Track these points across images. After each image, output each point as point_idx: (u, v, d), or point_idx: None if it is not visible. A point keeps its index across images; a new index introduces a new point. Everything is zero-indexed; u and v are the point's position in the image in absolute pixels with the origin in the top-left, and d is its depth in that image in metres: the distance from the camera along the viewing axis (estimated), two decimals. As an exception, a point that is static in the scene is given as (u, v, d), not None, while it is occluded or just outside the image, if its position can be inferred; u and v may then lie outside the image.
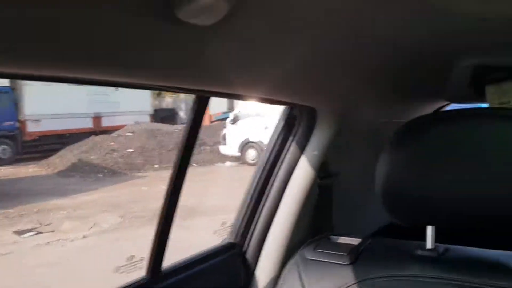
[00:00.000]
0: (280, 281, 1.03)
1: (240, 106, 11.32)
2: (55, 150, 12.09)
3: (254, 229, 1.16)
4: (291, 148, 1.18)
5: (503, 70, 1.04)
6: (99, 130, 13.62)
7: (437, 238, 0.96)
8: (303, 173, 1.16)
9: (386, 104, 1.21)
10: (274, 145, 1.19)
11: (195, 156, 11.61)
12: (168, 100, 18.09)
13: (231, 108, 13.30)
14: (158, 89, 0.78)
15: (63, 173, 10.58)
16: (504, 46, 0.90)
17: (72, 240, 5.80)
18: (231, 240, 1.16)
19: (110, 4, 0.46)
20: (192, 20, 0.49)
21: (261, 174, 1.19)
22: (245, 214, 1.18)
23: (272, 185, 1.18)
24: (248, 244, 1.16)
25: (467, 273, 0.84)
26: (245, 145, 11.13)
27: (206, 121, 14.14)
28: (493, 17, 0.76)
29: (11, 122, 12.75)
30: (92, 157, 11.35)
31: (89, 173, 10.46)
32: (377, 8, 0.67)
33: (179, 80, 0.70)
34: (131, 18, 0.48)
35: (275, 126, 1.21)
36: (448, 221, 0.87)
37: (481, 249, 0.93)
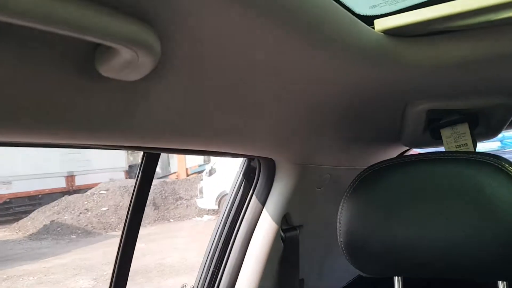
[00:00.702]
0: None
1: (216, 158, 11.30)
2: (27, 212, 11.75)
3: (218, 287, 1.11)
4: (252, 202, 1.15)
5: (457, 113, 1.05)
6: (72, 189, 13.35)
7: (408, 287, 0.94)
8: (265, 227, 1.13)
9: (346, 151, 1.20)
10: (234, 200, 1.16)
11: (172, 212, 11.44)
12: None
13: (207, 161, 13.30)
14: (103, 148, 0.75)
15: (35, 236, 10.22)
16: (455, 90, 0.92)
17: (42, 308, 5.58)
18: (194, 302, 1.10)
19: (35, 63, 0.44)
20: (116, 76, 0.47)
21: (222, 230, 1.15)
22: (207, 274, 1.12)
23: (234, 241, 1.14)
24: (212, 305, 1.10)
25: None
26: (222, 197, 11.03)
27: (182, 175, 14.05)
28: (441, 63, 0.78)
29: (-19, 186, 12.48)
30: (65, 217, 11.05)
31: (62, 235, 10.14)
32: (327, 58, 0.69)
33: (121, 138, 0.67)
34: (56, 76, 0.46)
35: (234, 180, 1.18)
36: (414, 270, 0.85)
37: None
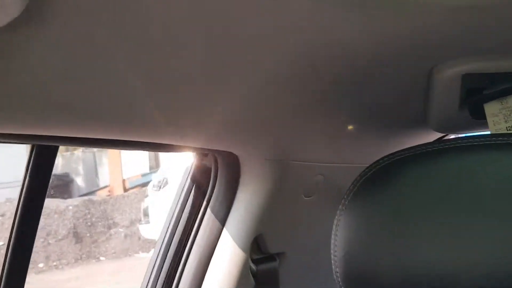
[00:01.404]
0: None
1: (169, 164, 11.35)
2: None
3: None
4: (206, 219, 1.20)
5: (509, 79, 1.08)
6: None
7: None
8: (227, 256, 1.17)
9: (346, 142, 1.25)
10: (179, 217, 1.20)
11: (103, 245, 11.43)
12: (57, 162, 17.97)
13: (155, 168, 13.36)
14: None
15: None
16: (505, 44, 0.94)
17: None
18: None
19: None
20: None
21: (161, 264, 1.19)
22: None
23: (180, 279, 1.17)
24: None
25: None
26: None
27: (118, 189, 14.03)
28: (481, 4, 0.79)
29: None
30: None
31: None
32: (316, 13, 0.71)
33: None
34: None
35: (179, 188, 1.23)
36: None
37: None
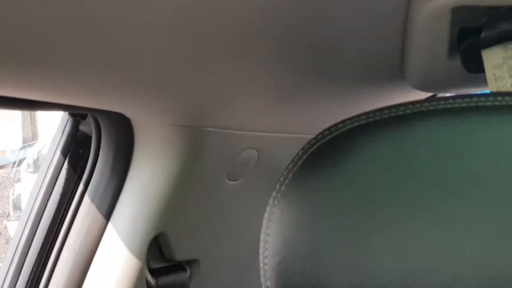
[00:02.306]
0: None
1: (50, 134, 11.42)
2: None
3: None
4: (83, 210, 1.21)
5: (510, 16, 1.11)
6: None
7: None
8: (113, 267, 1.19)
9: (287, 102, 1.27)
10: (43, 207, 1.22)
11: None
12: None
13: (32, 140, 13.42)
14: None
15: None
16: None
17: None
18: None
19: None
20: None
21: (19, 269, 1.21)
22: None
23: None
24: None
25: None
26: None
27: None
28: None
29: None
30: None
31: None
32: None
33: None
34: None
35: (44, 164, 1.24)
36: None
37: None
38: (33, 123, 14.75)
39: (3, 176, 13.05)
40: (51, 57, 0.88)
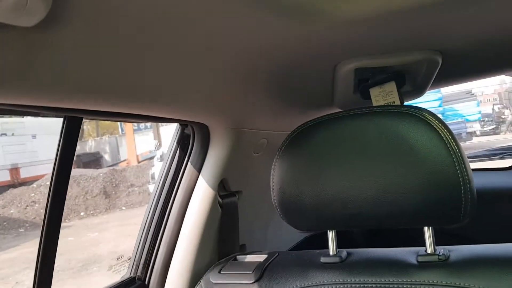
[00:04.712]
0: None
1: (167, 143, 11.19)
2: (-32, 209, 11.23)
3: (155, 259, 1.10)
4: (187, 169, 1.14)
5: (385, 72, 1.07)
6: (17, 182, 12.82)
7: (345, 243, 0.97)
8: (202, 194, 1.12)
9: (281, 115, 1.21)
10: (169, 168, 1.15)
11: (124, 199, 11.23)
12: (91, 144, 17.52)
13: (158, 146, 13.16)
14: (13, 113, 0.71)
15: (-21, 233, 9.80)
16: (381, 48, 0.93)
17: (-7, 303, 5.40)
18: (132, 274, 1.08)
19: None
20: (5, 20, 0.44)
21: (158, 200, 1.13)
22: (144, 243, 1.11)
23: (171, 209, 1.13)
24: (150, 276, 1.09)
25: (368, 274, 0.84)
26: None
27: (133, 161, 13.80)
28: (359, 17, 0.78)
29: None
30: (11, 211, 10.63)
31: (8, 229, 9.76)
32: (255, 21, 0.68)
33: (30, 95, 0.63)
34: None
35: (168, 148, 1.17)
36: (346, 223, 0.87)
37: (381, 249, 0.94)
38: (159, 138, 14.52)
39: (146, 164, 12.83)
40: (170, 89, 0.83)
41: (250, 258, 1.03)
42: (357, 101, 1.15)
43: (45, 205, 0.85)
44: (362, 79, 1.08)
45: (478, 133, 13.44)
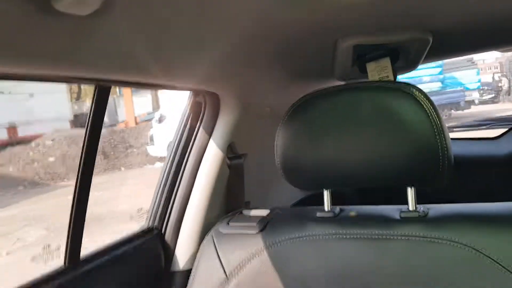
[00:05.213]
0: (198, 256, 1.12)
1: (165, 105, 11.20)
2: (-34, 167, 11.33)
3: (170, 212, 1.23)
4: (199, 133, 1.25)
5: (381, 48, 1.18)
6: (15, 141, 12.88)
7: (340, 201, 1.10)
8: (212, 156, 1.25)
9: (285, 86, 1.32)
10: (183, 131, 1.26)
11: (123, 160, 11.35)
12: (89, 104, 17.45)
13: (156, 108, 13.13)
14: (56, 81, 0.81)
15: (-23, 190, 9.94)
16: (378, 27, 1.03)
17: (-6, 258, 5.52)
18: (149, 225, 1.22)
19: None
20: (67, 10, 0.54)
21: (173, 158, 1.26)
22: (161, 198, 1.24)
23: (184, 168, 1.25)
24: (166, 226, 1.23)
25: (357, 227, 0.97)
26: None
27: (131, 123, 13.83)
28: (363, 1, 0.85)
29: None
30: (10, 169, 10.74)
31: (7, 187, 9.89)
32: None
33: (73, 68, 0.74)
34: (12, 9, 0.52)
35: (182, 114, 1.28)
36: (340, 183, 1.00)
37: (370, 206, 1.07)
38: (156, 100, 14.50)
39: (145, 125, 12.84)
40: (192, 57, 0.91)
41: (254, 212, 1.16)
42: (355, 74, 1.26)
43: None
44: (360, 54, 1.18)
45: (476, 102, 13.48)
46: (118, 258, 1.08)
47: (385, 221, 0.97)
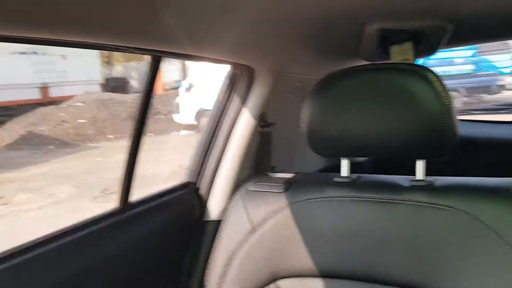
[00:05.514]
0: (229, 210, 1.27)
1: (193, 74, 11.28)
2: (2, 123, 11.74)
3: (205, 170, 1.38)
4: (234, 102, 1.39)
5: (404, 33, 1.26)
6: (47, 101, 13.24)
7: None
8: (245, 122, 1.38)
9: (315, 62, 1.43)
10: (221, 100, 1.40)
11: (151, 126, 11.55)
12: (118, 69, 17.62)
13: (183, 77, 13.22)
14: (113, 49, 0.91)
15: (11, 146, 10.32)
16: (402, 12, 1.11)
17: (27, 211, 5.79)
18: (188, 179, 1.38)
19: None
20: None
21: (211, 124, 1.40)
22: (199, 157, 1.39)
23: (219, 133, 1.39)
24: (201, 182, 1.38)
25: (371, 192, 1.07)
26: (200, 114, 11.16)
27: (159, 90, 14.03)
28: None
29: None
30: (42, 128, 11.09)
31: (39, 145, 10.25)
32: None
33: (134, 40, 0.85)
34: None
35: (222, 84, 1.41)
36: (356, 152, 1.11)
37: (383, 175, 1.18)
38: (184, 69, 14.56)
39: (172, 93, 12.94)
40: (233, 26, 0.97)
41: (279, 175, 1.29)
42: (379, 55, 1.35)
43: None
44: (384, 37, 1.25)
45: (508, 86, 13.16)
46: (160, 206, 1.25)
47: (395, 187, 1.07)
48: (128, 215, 1.14)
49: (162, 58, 1.11)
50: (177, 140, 10.22)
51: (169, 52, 1.03)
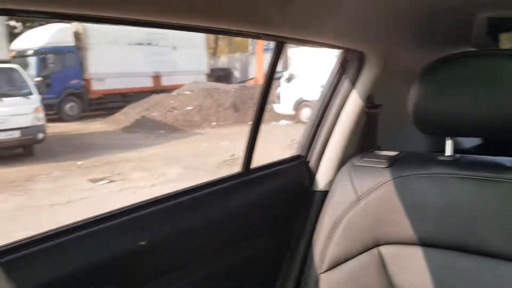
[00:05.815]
0: (335, 181, 1.40)
1: (294, 66, 11.40)
2: (119, 108, 12.78)
3: (316, 145, 1.52)
4: (344, 84, 1.50)
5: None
6: (159, 89, 14.14)
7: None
8: (353, 104, 1.50)
9: (421, 48, 1.50)
10: (332, 82, 1.53)
11: (250, 115, 11.89)
12: (223, 60, 18.20)
13: (285, 68, 13.40)
14: (241, 35, 1.06)
15: (127, 129, 11.28)
16: (510, 2, 1.18)
17: (142, 188, 6.34)
18: (298, 153, 1.55)
19: None
20: None
21: (322, 103, 1.54)
22: (310, 133, 1.54)
23: (329, 112, 1.52)
24: (311, 155, 1.53)
25: (473, 170, 1.12)
26: (300, 104, 11.31)
27: (261, 80, 14.36)
28: None
29: (77, 81, 13.49)
30: (154, 114, 11.93)
31: (151, 129, 11.05)
32: None
33: (262, 27, 0.98)
34: None
35: (332, 68, 1.54)
36: (460, 132, 1.17)
37: (485, 156, 1.22)
38: (285, 60, 14.69)
39: (274, 84, 13.02)
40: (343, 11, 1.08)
41: (384, 153, 1.36)
42: (487, 42, 1.39)
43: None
44: (493, 25, 1.31)
45: None
46: (275, 174, 1.42)
47: (498, 166, 1.13)
48: (249, 178, 1.33)
49: (285, 44, 1.27)
50: (276, 130, 10.36)
51: (291, 38, 1.19)
